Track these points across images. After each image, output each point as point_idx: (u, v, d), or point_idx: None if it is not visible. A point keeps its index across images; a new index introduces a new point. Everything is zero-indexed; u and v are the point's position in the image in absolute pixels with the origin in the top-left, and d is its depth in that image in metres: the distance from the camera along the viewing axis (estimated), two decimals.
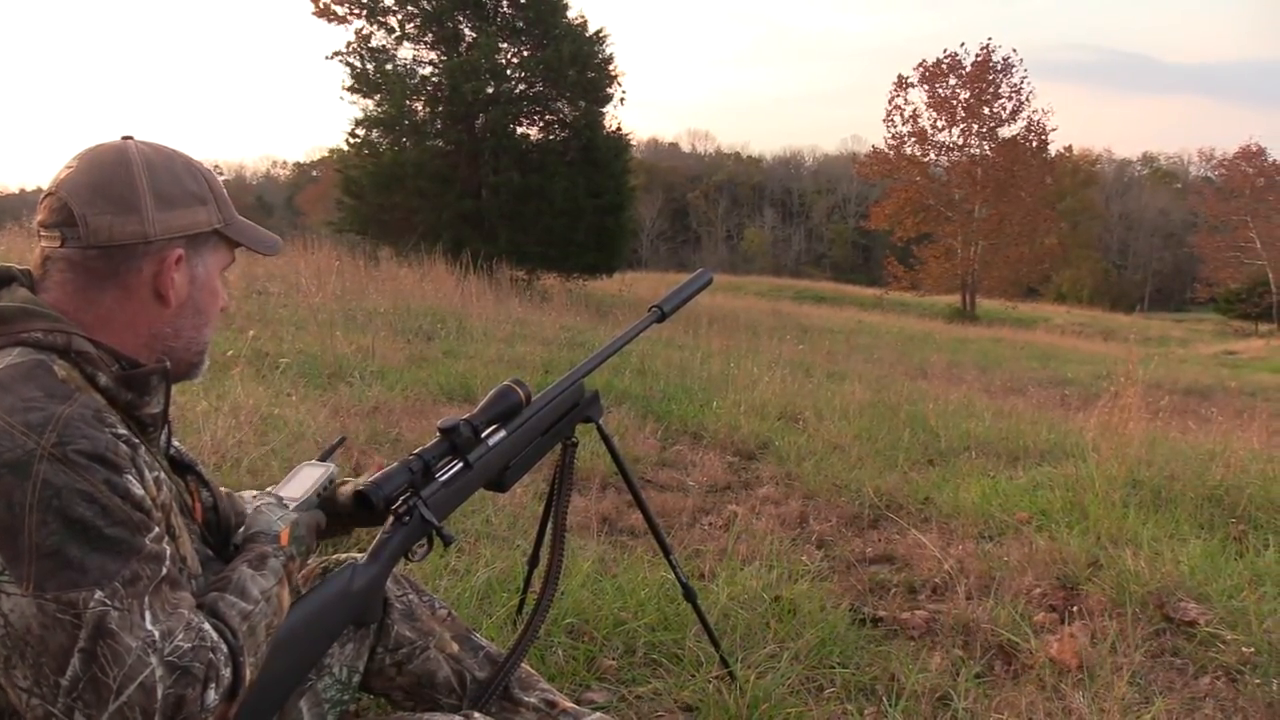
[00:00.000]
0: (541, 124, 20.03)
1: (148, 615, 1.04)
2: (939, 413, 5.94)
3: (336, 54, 19.06)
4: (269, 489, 1.50)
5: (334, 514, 1.54)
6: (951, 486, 4.10)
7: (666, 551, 2.10)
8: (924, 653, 2.45)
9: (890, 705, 2.07)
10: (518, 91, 19.31)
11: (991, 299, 37.41)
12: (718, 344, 8.88)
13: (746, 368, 7.00)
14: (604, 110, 19.81)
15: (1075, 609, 2.72)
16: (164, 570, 1.08)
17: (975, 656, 2.43)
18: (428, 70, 19.31)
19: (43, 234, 1.22)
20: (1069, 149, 46.94)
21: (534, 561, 2.19)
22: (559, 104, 19.69)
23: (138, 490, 1.10)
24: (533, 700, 1.73)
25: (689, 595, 2.10)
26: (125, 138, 1.26)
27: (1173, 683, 2.38)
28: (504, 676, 1.68)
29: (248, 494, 1.55)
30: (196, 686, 1.04)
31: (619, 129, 20.21)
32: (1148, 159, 78.09)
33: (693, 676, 2.15)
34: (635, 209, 23.87)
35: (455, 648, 1.71)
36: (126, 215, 1.19)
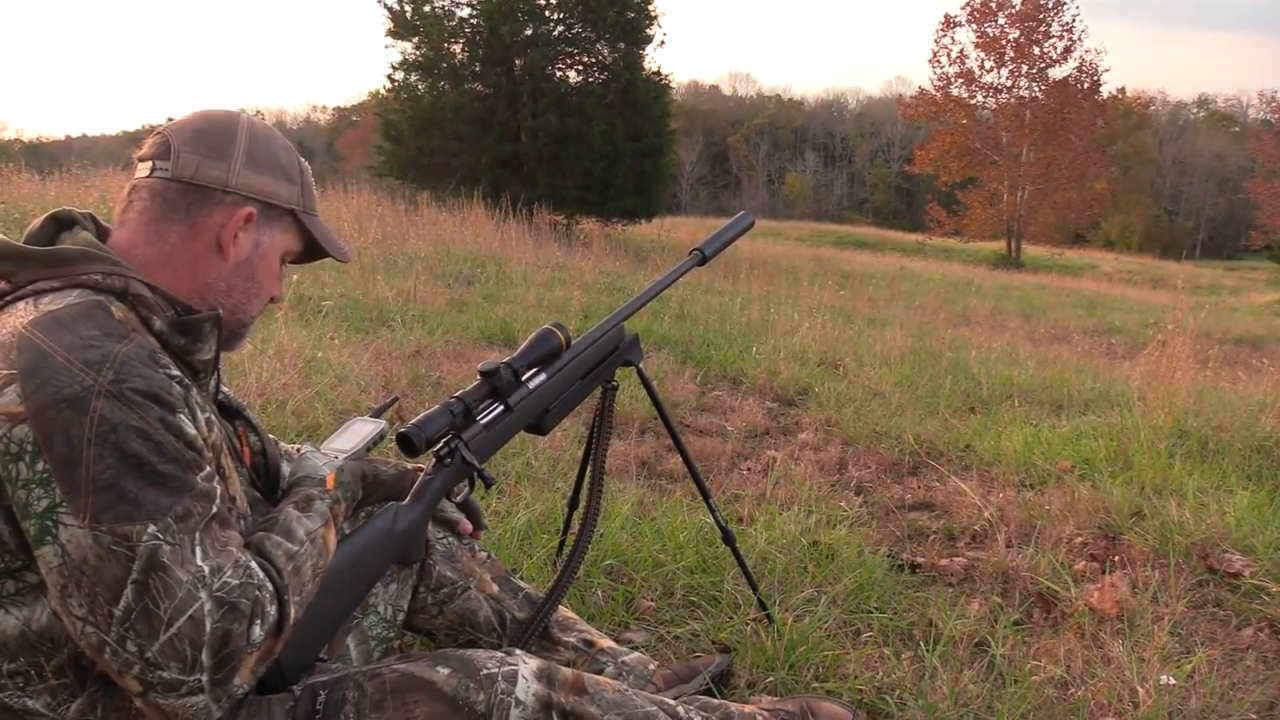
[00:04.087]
0: (580, 66, 19.78)
1: (198, 551, 1.06)
2: (981, 360, 5.87)
3: None
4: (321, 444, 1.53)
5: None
6: (993, 434, 4.07)
7: (705, 495, 2.11)
8: (962, 599, 2.45)
9: (927, 650, 2.07)
10: (556, 33, 19.05)
11: (1037, 245, 36.68)
12: (758, 290, 8.83)
13: (786, 314, 6.95)
14: (643, 52, 19.52)
15: (1116, 558, 2.70)
16: (214, 508, 1.11)
17: (1014, 604, 2.42)
18: (465, 12, 19.09)
19: (138, 165, 1.28)
20: (1121, 90, 45.66)
21: (574, 504, 2.21)
22: (598, 46, 19.41)
23: (190, 429, 1.12)
24: (571, 640, 1.76)
25: (727, 538, 2.11)
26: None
27: (1214, 634, 2.36)
28: (544, 615, 1.70)
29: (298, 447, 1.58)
30: (243, 622, 1.07)
31: (659, 71, 19.92)
32: (1203, 101, 75.67)
33: (730, 618, 2.17)
34: (675, 153, 23.59)
35: (495, 589, 1.74)
36: (215, 161, 1.26)
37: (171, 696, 1.04)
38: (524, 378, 1.66)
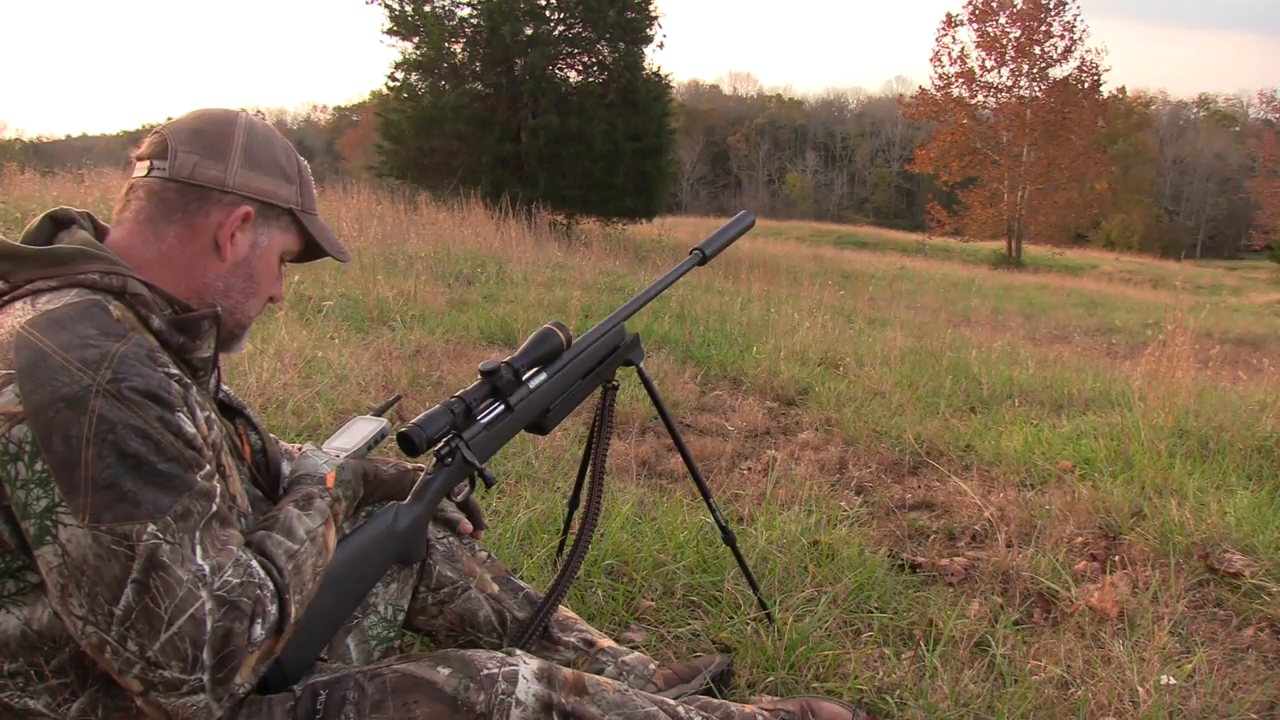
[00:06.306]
0: (581, 66, 19.80)
1: (198, 550, 1.06)
2: (982, 360, 5.86)
3: None
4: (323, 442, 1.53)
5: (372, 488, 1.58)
6: (993, 434, 4.07)
7: (706, 495, 2.10)
8: (962, 599, 2.45)
9: (928, 650, 2.07)
10: (557, 33, 19.06)
11: (1038, 245, 36.69)
12: (758, 289, 8.82)
13: (787, 313, 6.95)
14: (644, 52, 19.54)
15: (1117, 558, 2.70)
16: (214, 507, 1.11)
17: (1014, 604, 2.42)
18: (466, 11, 19.09)
19: (136, 164, 1.28)
20: (1122, 90, 45.68)
21: (574, 503, 2.20)
22: (598, 46, 19.43)
23: (189, 428, 1.12)
24: (572, 639, 1.76)
25: (728, 538, 2.11)
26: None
27: (1215, 634, 2.36)
28: (544, 615, 1.70)
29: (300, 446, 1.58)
30: (244, 621, 1.07)
31: (659, 71, 19.95)
32: (1204, 100, 75.72)
33: (731, 618, 2.17)
34: (675, 153, 23.62)
35: (495, 588, 1.73)
36: (212, 160, 1.25)
37: (173, 696, 1.04)
38: (525, 377, 1.66)
